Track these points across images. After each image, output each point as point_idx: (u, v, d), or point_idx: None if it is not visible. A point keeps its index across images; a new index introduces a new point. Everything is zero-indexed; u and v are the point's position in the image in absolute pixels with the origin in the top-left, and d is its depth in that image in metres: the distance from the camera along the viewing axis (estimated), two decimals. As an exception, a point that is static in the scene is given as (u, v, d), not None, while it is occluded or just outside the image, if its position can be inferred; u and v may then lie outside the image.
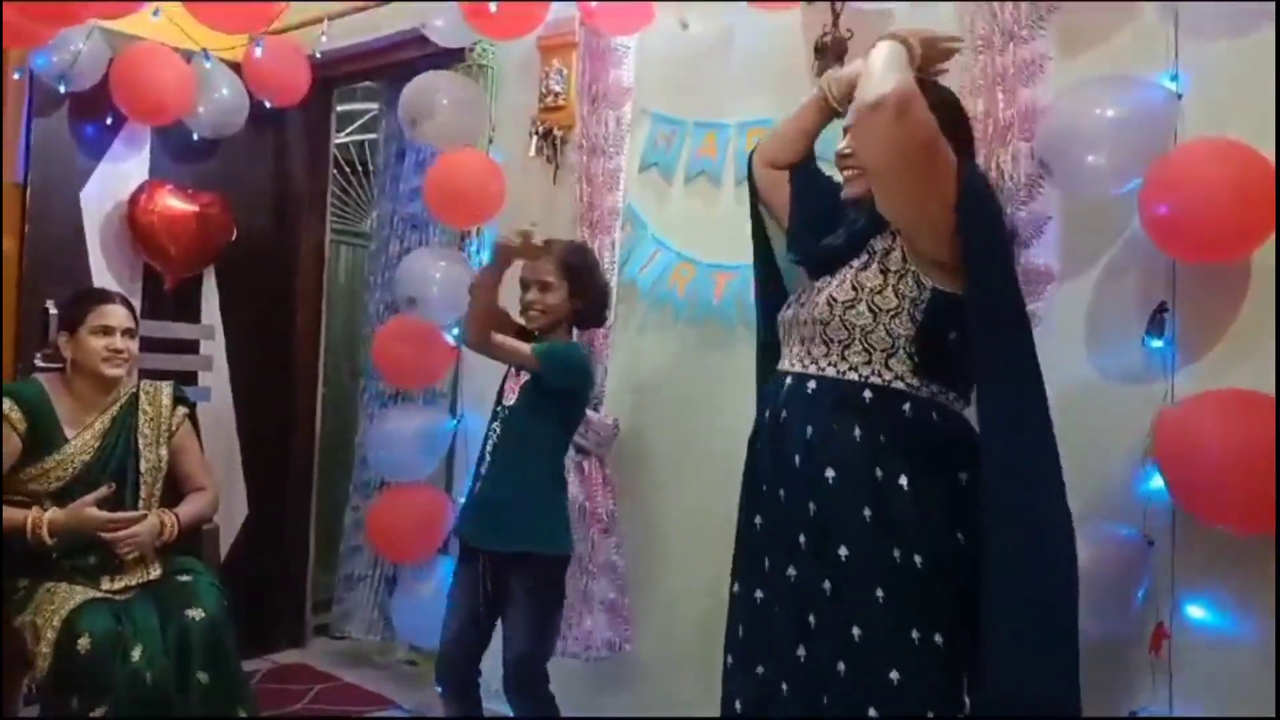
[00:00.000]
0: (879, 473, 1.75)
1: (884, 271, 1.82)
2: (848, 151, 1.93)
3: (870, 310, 1.80)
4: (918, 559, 1.72)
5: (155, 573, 2.67)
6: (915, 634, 1.71)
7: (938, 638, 1.71)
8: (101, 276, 3.46)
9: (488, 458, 2.57)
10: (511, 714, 2.57)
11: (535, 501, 2.53)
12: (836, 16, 2.56)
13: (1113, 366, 2.20)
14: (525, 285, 2.61)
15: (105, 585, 2.58)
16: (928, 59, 1.85)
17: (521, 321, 2.63)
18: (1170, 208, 1.97)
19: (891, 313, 1.79)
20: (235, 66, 3.65)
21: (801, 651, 1.81)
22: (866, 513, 1.74)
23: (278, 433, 4.01)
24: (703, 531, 2.81)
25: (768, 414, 1.94)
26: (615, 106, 2.92)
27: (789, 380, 1.90)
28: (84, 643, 2.36)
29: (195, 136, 3.65)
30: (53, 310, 3.20)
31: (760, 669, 1.89)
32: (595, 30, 2.91)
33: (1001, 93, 2.21)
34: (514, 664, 2.51)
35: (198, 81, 3.49)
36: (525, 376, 2.57)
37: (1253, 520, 1.92)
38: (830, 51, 2.57)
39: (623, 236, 2.96)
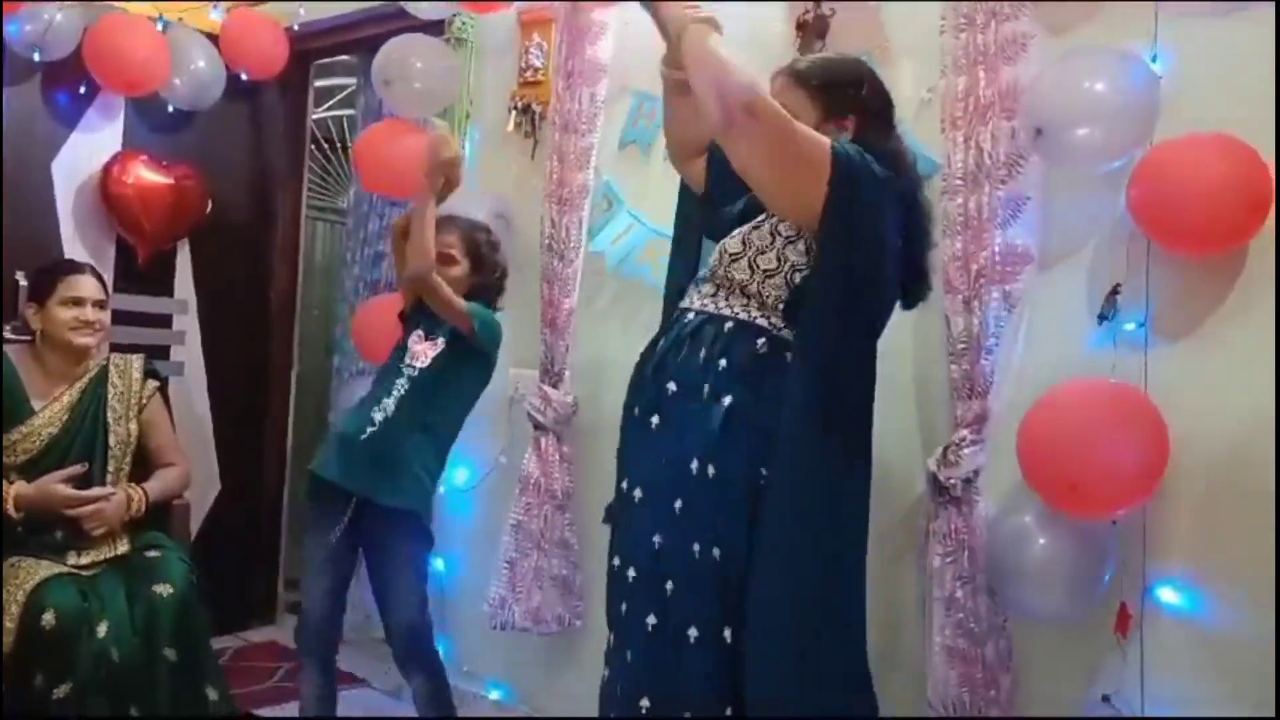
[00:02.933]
0: (705, 389, 1.80)
1: (774, 234, 1.88)
2: None
3: (749, 267, 1.86)
4: (711, 470, 1.78)
5: (123, 548, 2.65)
6: (696, 547, 1.77)
7: (715, 551, 1.76)
8: (73, 248, 3.41)
9: (389, 408, 2.54)
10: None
11: (425, 466, 2.57)
12: (819, -7, 2.54)
13: (1086, 349, 2.19)
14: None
15: (71, 561, 2.56)
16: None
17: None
18: (1160, 202, 1.97)
19: (769, 273, 1.85)
20: (213, 38, 3.61)
21: (632, 572, 1.86)
22: (692, 426, 1.80)
23: (251, 408, 3.98)
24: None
25: (652, 342, 1.99)
26: (590, 83, 2.88)
27: (675, 315, 1.97)
28: (49, 619, 2.33)
29: (170, 108, 3.61)
30: (22, 281, 3.15)
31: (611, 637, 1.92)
32: (574, 5, 2.87)
33: (983, 71, 2.18)
34: (410, 632, 2.53)
35: (173, 52, 3.44)
36: (441, 344, 2.58)
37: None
38: (812, 29, 2.54)
39: (592, 214, 2.93)
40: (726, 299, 1.88)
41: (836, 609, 1.81)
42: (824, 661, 1.77)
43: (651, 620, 1.80)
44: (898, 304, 1.97)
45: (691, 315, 1.91)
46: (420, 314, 2.66)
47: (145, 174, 3.47)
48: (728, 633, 1.75)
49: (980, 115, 2.18)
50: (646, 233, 2.88)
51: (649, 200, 2.92)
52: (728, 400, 1.79)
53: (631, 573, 1.85)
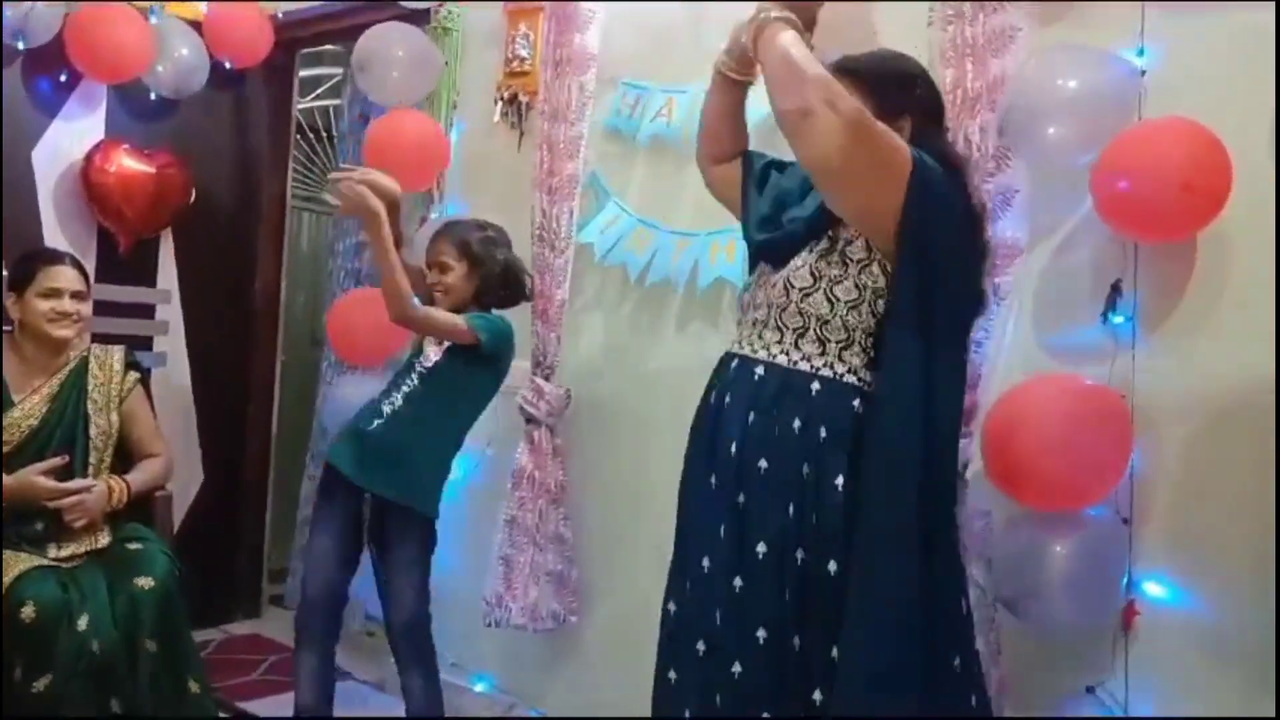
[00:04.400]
0: (806, 469, 1.67)
1: (845, 260, 1.73)
2: None
3: (828, 300, 1.72)
4: (832, 566, 1.65)
5: (104, 540, 2.62)
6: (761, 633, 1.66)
7: (834, 651, 1.64)
8: (54, 237, 3.38)
9: (398, 402, 2.54)
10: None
11: (432, 464, 2.58)
12: (807, -17, 2.52)
13: (1074, 341, 2.19)
14: (428, 267, 2.62)
15: (52, 553, 2.53)
16: (807, 23, 1.81)
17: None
18: (1121, 187, 1.96)
19: (850, 304, 1.71)
20: (197, 26, 3.57)
21: (701, 646, 1.74)
22: (790, 510, 1.67)
23: (235, 399, 3.95)
24: (653, 500, 2.79)
25: (711, 398, 1.85)
26: (579, 73, 2.86)
27: (735, 363, 1.82)
28: (28, 611, 2.31)
29: (153, 96, 3.57)
30: (2, 271, 3.12)
31: (672, 674, 1.81)
32: (559, -4, 2.86)
33: (971, 64, 2.17)
34: (410, 627, 2.54)
35: (156, 40, 3.41)
36: (445, 345, 2.56)
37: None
38: (800, 18, 2.52)
39: (582, 204, 2.91)
40: (797, 345, 1.73)
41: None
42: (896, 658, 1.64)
43: (761, 634, 1.68)
44: None
45: (761, 370, 1.76)
46: None
47: (127, 163, 3.43)
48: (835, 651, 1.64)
49: (969, 108, 2.17)
50: (632, 222, 2.87)
51: (635, 190, 2.91)
52: (840, 481, 1.65)
53: (738, 582, 1.71)
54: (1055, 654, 2.16)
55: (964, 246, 1.73)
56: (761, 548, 1.68)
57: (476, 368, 2.56)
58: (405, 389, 2.56)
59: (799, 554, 1.66)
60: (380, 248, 2.41)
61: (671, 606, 1.85)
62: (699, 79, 2.73)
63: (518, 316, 2.93)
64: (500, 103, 3.17)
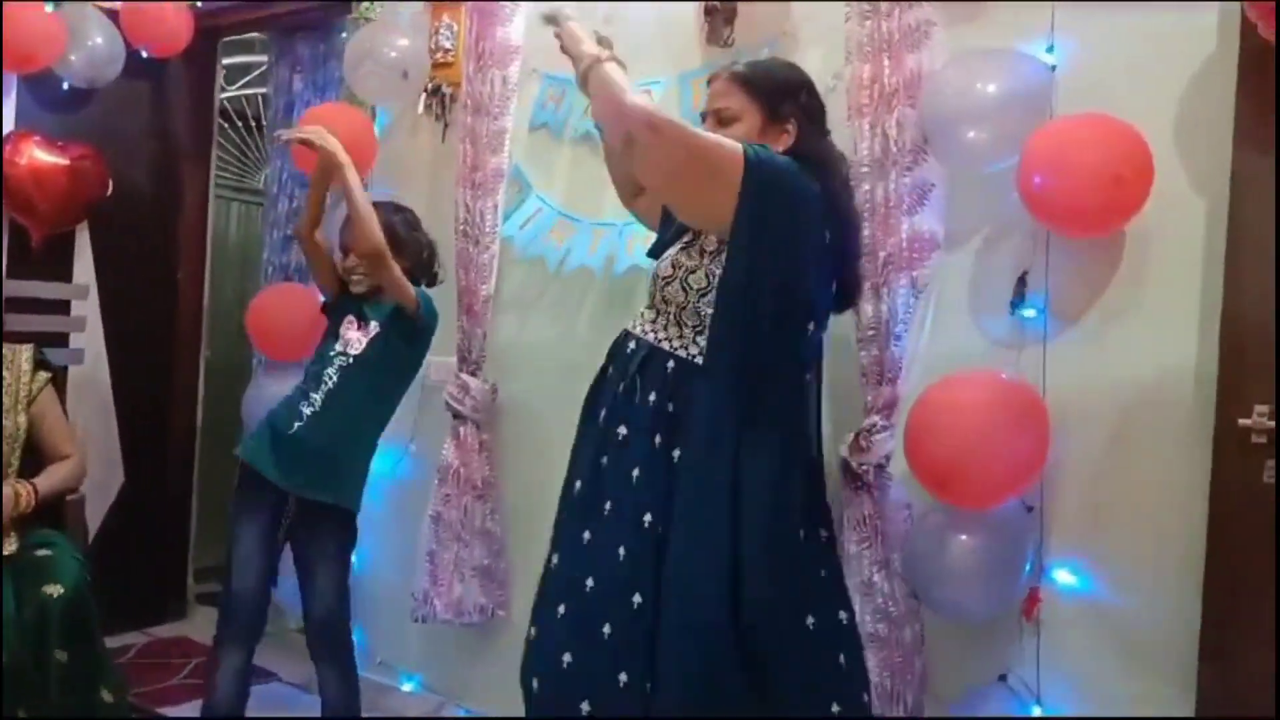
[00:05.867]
0: (658, 440, 1.80)
1: (701, 252, 1.88)
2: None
3: (683, 288, 1.86)
4: (661, 528, 1.77)
5: (11, 547, 2.53)
6: (637, 597, 1.76)
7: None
8: (-39, 232, 3.27)
9: (318, 402, 2.50)
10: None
11: (358, 458, 2.57)
12: (727, -22, 2.52)
13: (990, 334, 2.21)
14: (345, 250, 2.59)
15: (-43, 560, 2.45)
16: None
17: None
18: (1049, 182, 1.98)
19: (701, 292, 1.84)
20: (112, 14, 3.47)
21: (561, 608, 1.85)
22: (635, 475, 1.80)
23: (158, 396, 3.87)
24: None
25: (601, 369, 2.00)
26: (502, 66, 2.83)
27: (621, 337, 1.98)
28: (-69, 620, 2.24)
29: (66, 86, 3.46)
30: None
31: (533, 631, 1.94)
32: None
33: (888, 58, 2.18)
34: (328, 624, 2.52)
35: (69, 28, 3.31)
36: (375, 329, 2.54)
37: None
38: (720, 15, 2.52)
39: (507, 198, 2.88)
40: (665, 327, 1.87)
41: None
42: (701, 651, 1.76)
43: (589, 583, 1.81)
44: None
45: (633, 344, 1.91)
46: (349, 301, 2.62)
47: (39, 154, 3.32)
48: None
49: (885, 103, 2.19)
50: (553, 214, 2.85)
51: (558, 183, 2.89)
52: (677, 454, 1.79)
53: (586, 535, 1.86)
54: (971, 643, 2.19)
55: (812, 237, 1.81)
56: (608, 506, 1.83)
57: (405, 345, 2.57)
58: (326, 385, 2.51)
59: (646, 518, 1.78)
60: (356, 188, 2.49)
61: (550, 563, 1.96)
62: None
63: (443, 312, 2.90)
64: (424, 94, 3.13)
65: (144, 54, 3.55)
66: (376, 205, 2.63)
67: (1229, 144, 1.91)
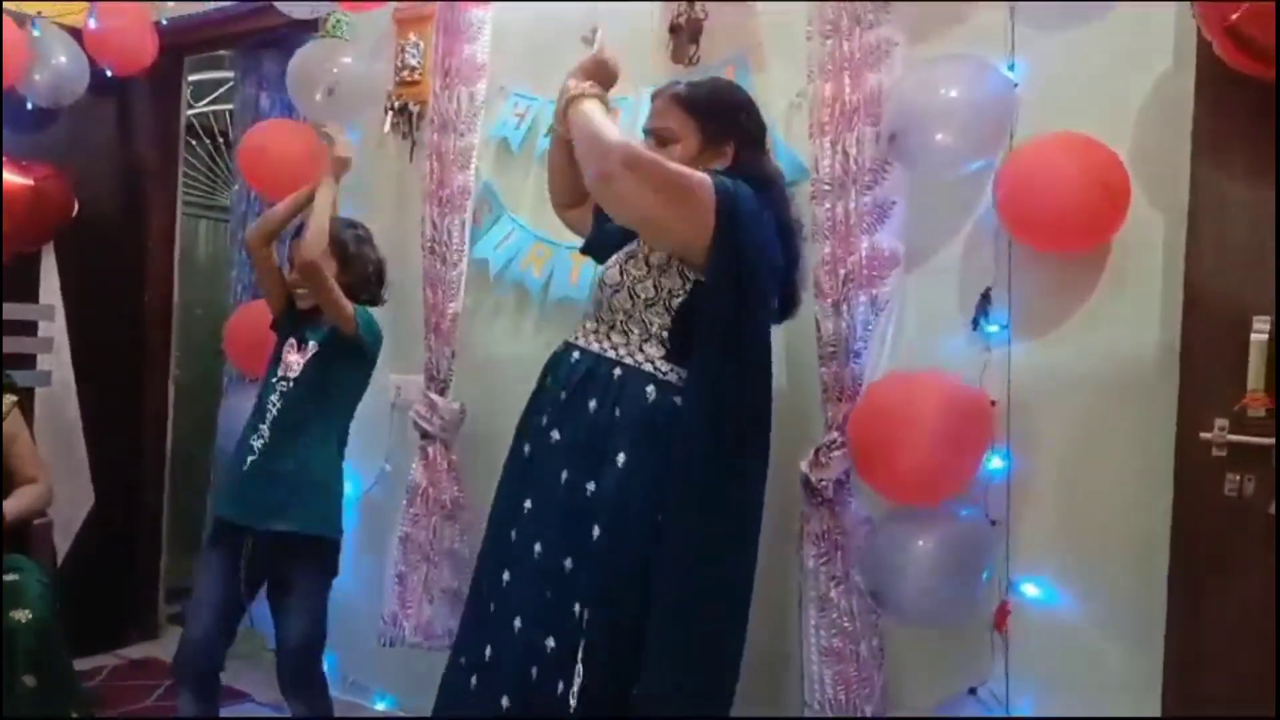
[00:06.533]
0: (604, 447, 1.84)
1: (648, 264, 1.92)
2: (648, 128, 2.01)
3: (630, 297, 1.91)
4: (596, 532, 1.83)
5: (-23, 573, 2.52)
6: (576, 607, 1.82)
7: (602, 613, 1.82)
8: (-76, 254, 3.24)
9: (265, 432, 2.47)
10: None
11: (318, 481, 2.51)
12: (692, -4, 2.54)
13: (953, 350, 2.23)
14: (292, 264, 2.56)
15: (-79, 586, 2.43)
16: (606, 84, 1.97)
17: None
18: (1027, 198, 2.01)
19: (649, 302, 1.90)
20: (76, 33, 3.45)
21: (518, 623, 1.89)
22: (590, 487, 1.84)
23: (127, 416, 3.84)
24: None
25: (540, 378, 2.04)
26: (469, 83, 2.83)
27: (560, 348, 2.02)
28: (-107, 648, 2.22)
29: (30, 105, 3.44)
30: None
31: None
32: (450, 2, 2.81)
33: (849, 77, 2.19)
34: (299, 655, 2.48)
35: (31, 47, 3.28)
36: (312, 349, 2.51)
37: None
38: (685, 31, 2.54)
39: (476, 215, 2.88)
40: (609, 335, 1.92)
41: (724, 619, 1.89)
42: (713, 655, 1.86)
43: (548, 594, 1.86)
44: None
45: (577, 354, 1.95)
46: (290, 320, 2.59)
47: (3, 175, 3.30)
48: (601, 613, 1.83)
49: (846, 120, 2.19)
50: (527, 237, 2.85)
51: (528, 202, 2.89)
52: (621, 459, 1.83)
53: (537, 548, 1.90)
54: (940, 657, 2.20)
55: (770, 257, 1.89)
56: (529, 504, 1.91)
57: (345, 366, 2.53)
58: (271, 413, 2.49)
59: (594, 528, 1.83)
60: (330, 188, 2.50)
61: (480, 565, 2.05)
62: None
63: (408, 330, 2.90)
64: (390, 112, 3.12)
65: (109, 72, 3.54)
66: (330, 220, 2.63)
67: (1187, 159, 1.93)
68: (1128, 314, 2.05)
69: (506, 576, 1.95)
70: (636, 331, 1.90)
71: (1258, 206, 1.83)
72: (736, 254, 1.81)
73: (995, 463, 2.14)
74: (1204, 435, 1.85)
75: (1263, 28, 1.64)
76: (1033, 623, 2.11)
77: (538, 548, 1.89)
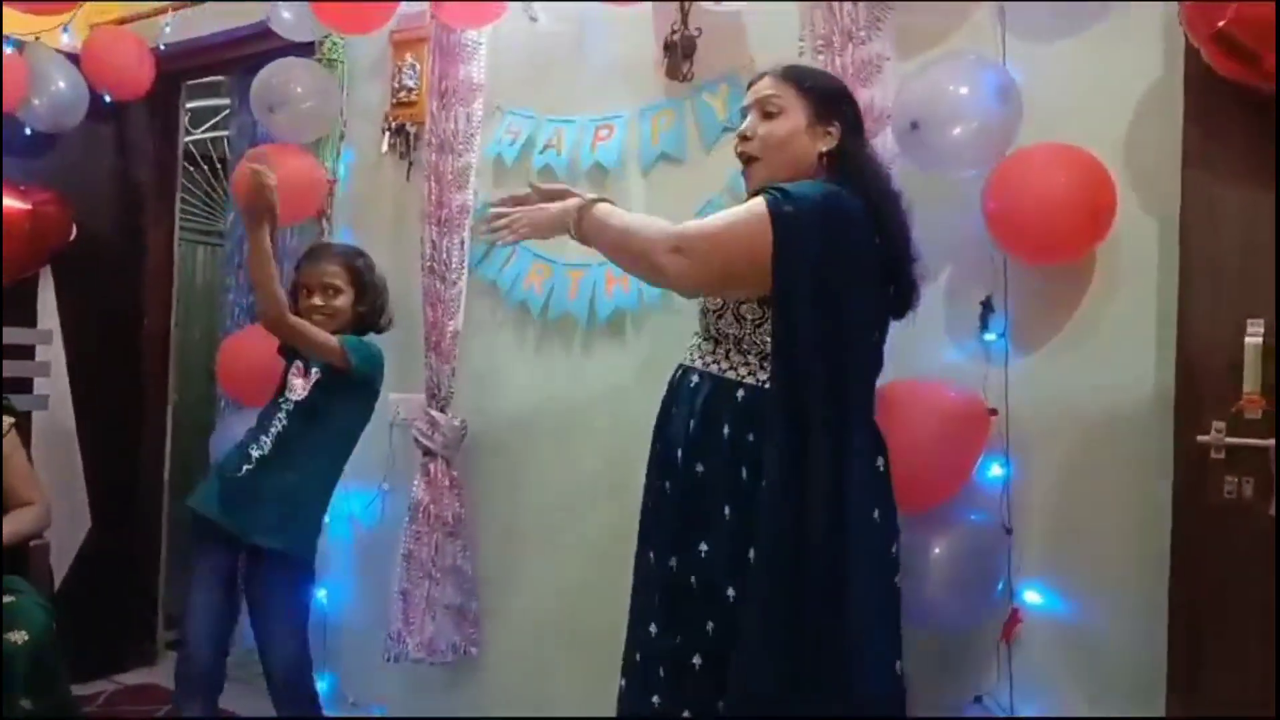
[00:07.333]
0: (744, 473, 1.76)
1: None
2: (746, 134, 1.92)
3: (737, 319, 1.82)
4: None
5: (-25, 595, 2.51)
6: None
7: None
8: (-77, 279, 3.24)
9: (266, 446, 2.48)
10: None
11: (308, 505, 2.53)
12: (685, 15, 2.56)
13: (954, 359, 2.24)
14: (308, 290, 2.57)
15: (-83, 608, 2.42)
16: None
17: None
18: (1012, 211, 2.02)
19: (756, 321, 1.81)
20: (74, 58, 3.47)
21: (665, 640, 1.82)
22: (726, 511, 1.76)
23: (124, 440, 3.82)
24: (557, 532, 2.79)
25: (665, 406, 1.95)
26: (465, 103, 2.85)
27: (679, 373, 1.93)
28: (-109, 671, 2.21)
29: (28, 130, 3.46)
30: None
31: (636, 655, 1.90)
32: (445, 24, 2.84)
33: (842, 92, 2.21)
34: (290, 668, 2.47)
35: (30, 73, 3.31)
36: (315, 375, 2.51)
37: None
38: (678, 49, 2.56)
39: (472, 236, 2.89)
40: (728, 356, 1.83)
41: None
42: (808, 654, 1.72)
43: (710, 626, 1.79)
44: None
45: (696, 378, 1.86)
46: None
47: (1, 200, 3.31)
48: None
49: (840, 134, 2.21)
50: (529, 256, 2.86)
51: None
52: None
53: (693, 580, 1.81)
54: (946, 666, 2.20)
55: (846, 258, 1.77)
56: (703, 546, 1.79)
57: (345, 395, 2.53)
58: (275, 429, 2.50)
59: (750, 552, 1.73)
60: (265, 248, 2.41)
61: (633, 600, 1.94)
62: (585, 110, 2.77)
63: (407, 348, 2.91)
64: (388, 133, 3.15)
65: (107, 98, 3.55)
66: (340, 247, 2.63)
67: (1178, 167, 1.95)
68: (1125, 319, 2.06)
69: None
70: (754, 352, 1.80)
71: (1249, 210, 1.85)
72: (797, 266, 1.71)
73: (995, 470, 2.15)
74: (1202, 438, 1.86)
75: (1249, 32, 1.67)
76: (1034, 629, 2.11)
77: (692, 580, 1.80)
